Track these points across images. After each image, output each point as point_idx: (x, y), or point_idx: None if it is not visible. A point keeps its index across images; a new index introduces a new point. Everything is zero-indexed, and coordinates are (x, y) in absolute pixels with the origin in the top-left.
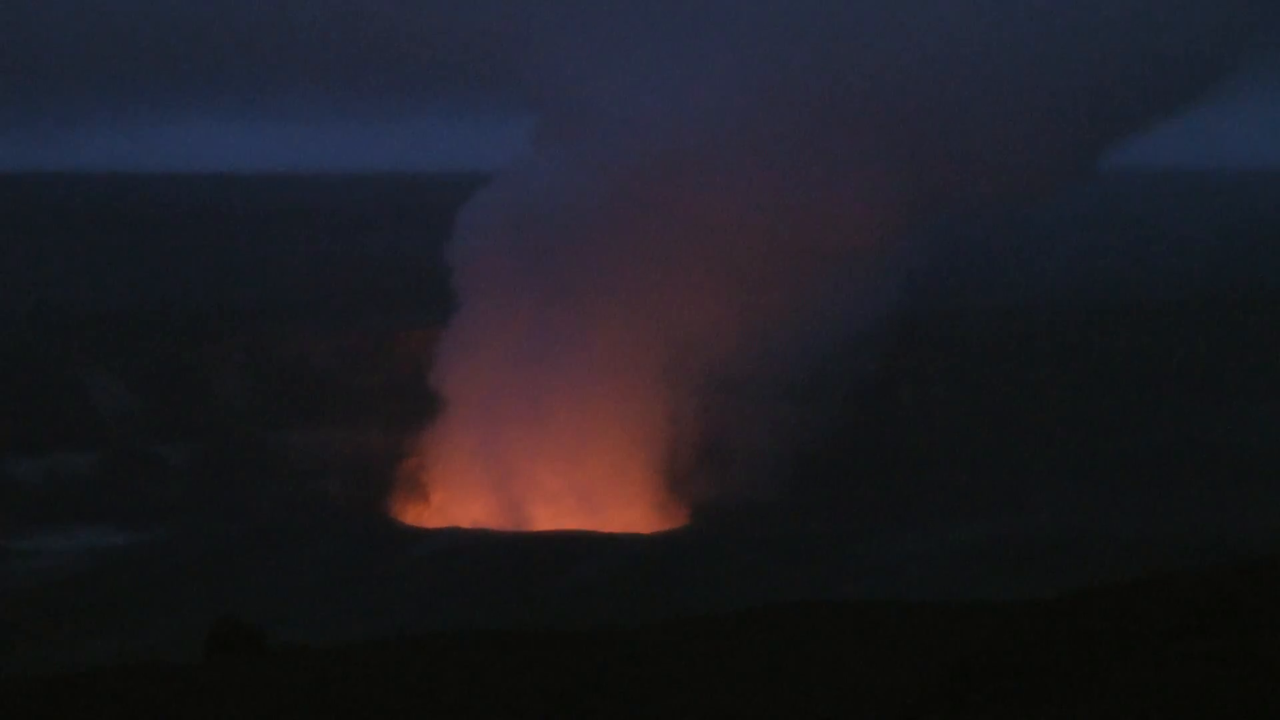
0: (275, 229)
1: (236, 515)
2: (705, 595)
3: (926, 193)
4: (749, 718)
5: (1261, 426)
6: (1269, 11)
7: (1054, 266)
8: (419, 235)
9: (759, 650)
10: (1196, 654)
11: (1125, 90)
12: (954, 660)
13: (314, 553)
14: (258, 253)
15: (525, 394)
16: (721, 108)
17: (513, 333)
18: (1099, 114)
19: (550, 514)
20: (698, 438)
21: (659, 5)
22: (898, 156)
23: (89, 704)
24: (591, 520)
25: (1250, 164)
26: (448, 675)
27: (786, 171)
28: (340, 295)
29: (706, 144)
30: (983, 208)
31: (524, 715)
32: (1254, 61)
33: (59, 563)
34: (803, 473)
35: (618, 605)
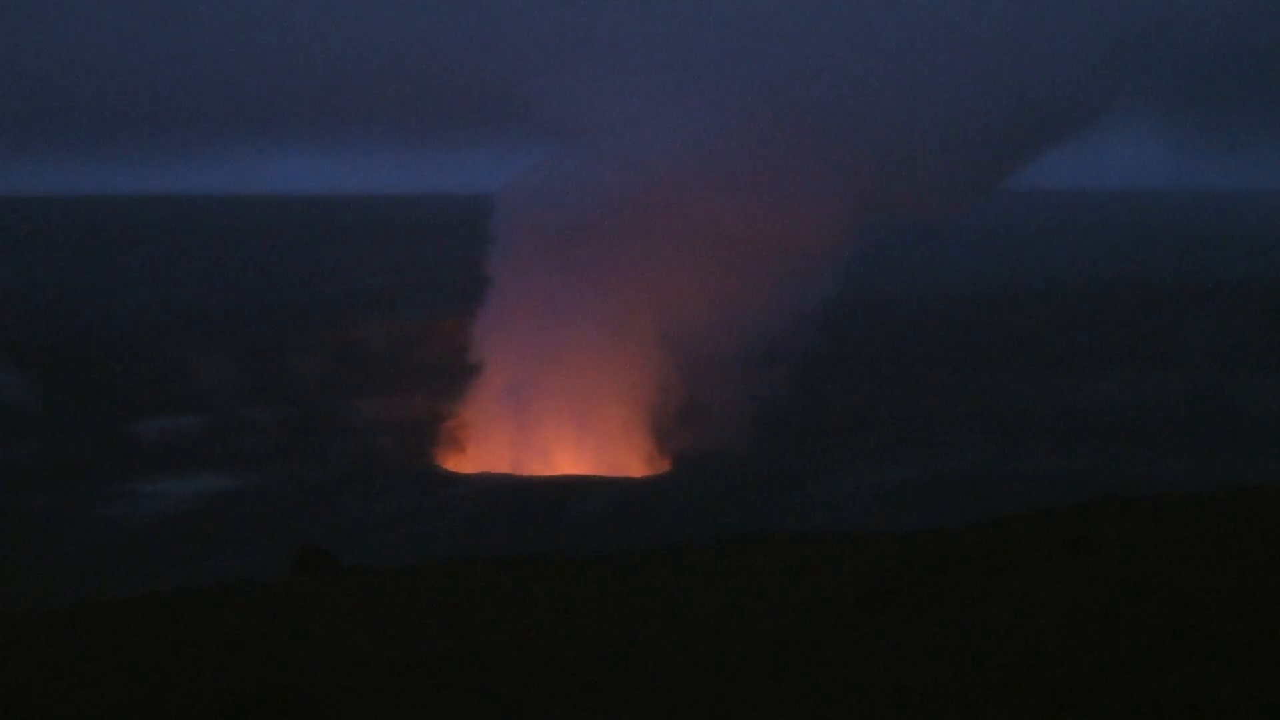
0: (343, 239)
1: (315, 464)
2: (683, 526)
3: (864, 206)
4: (714, 620)
5: (1124, 389)
6: (1136, 58)
7: (962, 265)
8: (456, 243)
9: (724, 570)
10: (1076, 571)
11: (1021, 126)
12: (880, 575)
13: (376, 493)
14: (330, 258)
15: (545, 363)
16: (705, 134)
17: (536, 311)
18: (1001, 145)
19: (563, 461)
20: (681, 399)
21: (654, 53)
22: (842, 177)
23: (198, 611)
24: (595, 466)
25: (1119, 185)
26: (482, 590)
27: (755, 186)
28: (395, 290)
29: (693, 162)
30: (909, 219)
31: (540, 620)
32: (1124, 101)
33: (176, 502)
34: (762, 427)
35: (614, 535)
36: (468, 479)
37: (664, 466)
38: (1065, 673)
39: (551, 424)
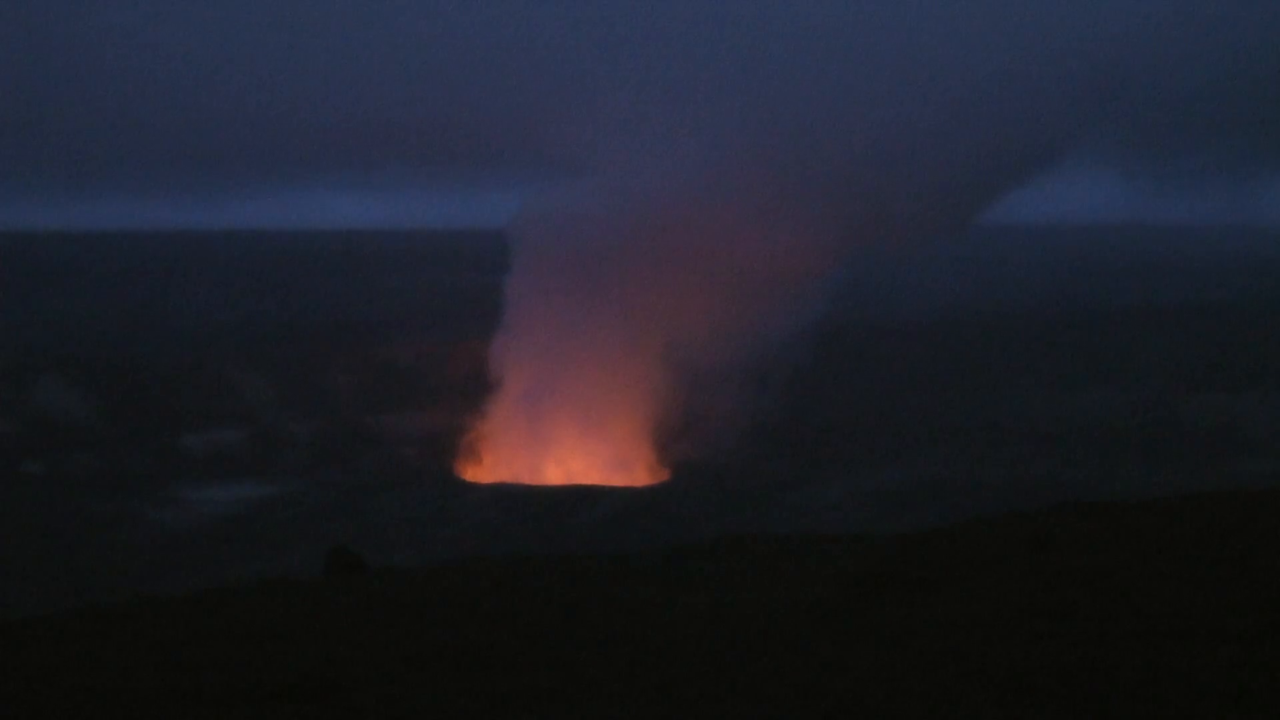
0: (373, 268)
1: (346, 473)
2: (680, 530)
3: (849, 237)
4: (710, 616)
5: (1084, 404)
6: (1098, 102)
7: (937, 291)
8: (478, 272)
9: (716, 569)
10: (1041, 569)
11: (990, 166)
12: (859, 573)
13: (401, 500)
14: (361, 285)
15: (557, 378)
16: (706, 168)
17: (549, 331)
18: (974, 182)
19: (572, 469)
20: (681, 412)
21: (659, 96)
22: (829, 210)
23: (238, 607)
24: (601, 476)
25: (1080, 220)
26: (498, 586)
27: (750, 216)
28: (419, 315)
29: (694, 194)
30: (888, 250)
31: (552, 610)
32: (1086, 141)
33: (218, 508)
34: (755, 438)
35: (618, 538)
36: (484, 487)
37: (664, 476)
38: (1031, 661)
39: (562, 434)
